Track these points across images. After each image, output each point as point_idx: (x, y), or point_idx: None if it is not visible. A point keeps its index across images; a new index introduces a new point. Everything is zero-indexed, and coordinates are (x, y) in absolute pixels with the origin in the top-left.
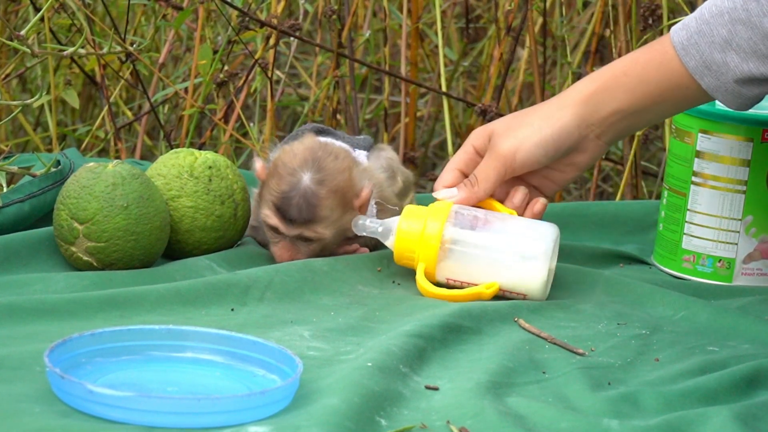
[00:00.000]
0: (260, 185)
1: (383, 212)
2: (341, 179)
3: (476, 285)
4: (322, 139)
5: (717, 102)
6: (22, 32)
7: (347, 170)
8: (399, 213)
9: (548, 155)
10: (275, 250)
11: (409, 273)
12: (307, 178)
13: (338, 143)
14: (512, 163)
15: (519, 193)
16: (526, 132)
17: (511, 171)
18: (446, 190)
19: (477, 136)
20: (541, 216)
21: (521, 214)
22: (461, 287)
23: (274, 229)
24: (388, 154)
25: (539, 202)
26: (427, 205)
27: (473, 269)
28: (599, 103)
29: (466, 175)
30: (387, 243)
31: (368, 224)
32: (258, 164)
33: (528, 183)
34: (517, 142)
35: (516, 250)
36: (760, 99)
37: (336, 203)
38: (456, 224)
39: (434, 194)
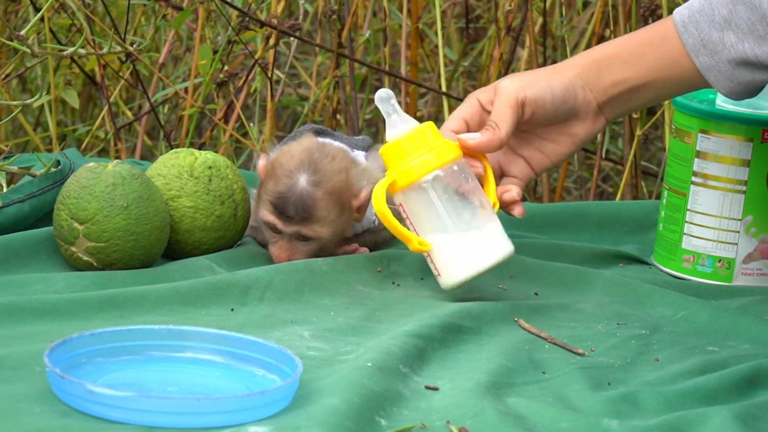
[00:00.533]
0: (258, 185)
1: None
2: (338, 180)
3: (415, 232)
4: (321, 140)
5: (717, 101)
6: (22, 32)
7: (344, 171)
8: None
9: (555, 102)
10: (273, 251)
11: (410, 274)
12: (303, 180)
13: (336, 144)
14: (523, 99)
15: (513, 192)
16: (533, 77)
17: (522, 107)
18: (469, 134)
19: (482, 90)
20: (508, 206)
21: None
22: (403, 221)
23: (272, 227)
24: None
25: (512, 192)
26: None
27: (424, 221)
28: (600, 71)
29: (469, 126)
30: (387, 132)
31: (393, 102)
32: (261, 161)
33: (519, 154)
34: (524, 84)
35: (464, 245)
36: (753, 90)
37: (332, 204)
38: (446, 175)
39: (459, 136)
